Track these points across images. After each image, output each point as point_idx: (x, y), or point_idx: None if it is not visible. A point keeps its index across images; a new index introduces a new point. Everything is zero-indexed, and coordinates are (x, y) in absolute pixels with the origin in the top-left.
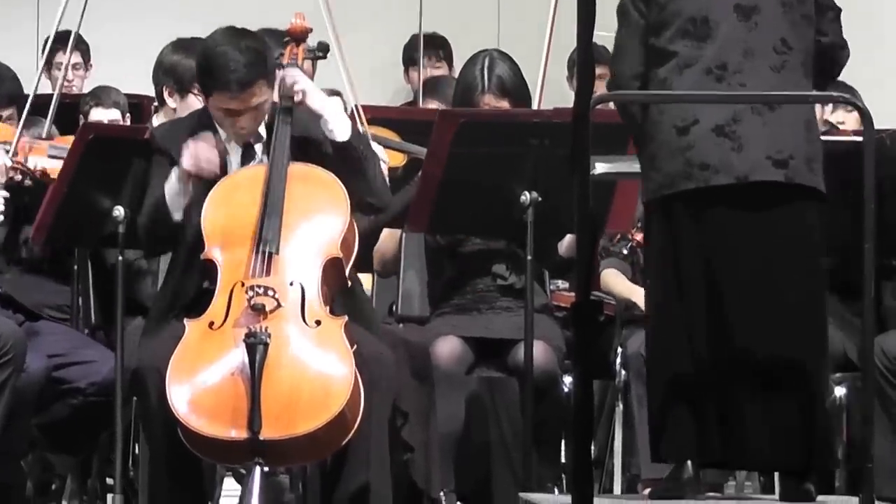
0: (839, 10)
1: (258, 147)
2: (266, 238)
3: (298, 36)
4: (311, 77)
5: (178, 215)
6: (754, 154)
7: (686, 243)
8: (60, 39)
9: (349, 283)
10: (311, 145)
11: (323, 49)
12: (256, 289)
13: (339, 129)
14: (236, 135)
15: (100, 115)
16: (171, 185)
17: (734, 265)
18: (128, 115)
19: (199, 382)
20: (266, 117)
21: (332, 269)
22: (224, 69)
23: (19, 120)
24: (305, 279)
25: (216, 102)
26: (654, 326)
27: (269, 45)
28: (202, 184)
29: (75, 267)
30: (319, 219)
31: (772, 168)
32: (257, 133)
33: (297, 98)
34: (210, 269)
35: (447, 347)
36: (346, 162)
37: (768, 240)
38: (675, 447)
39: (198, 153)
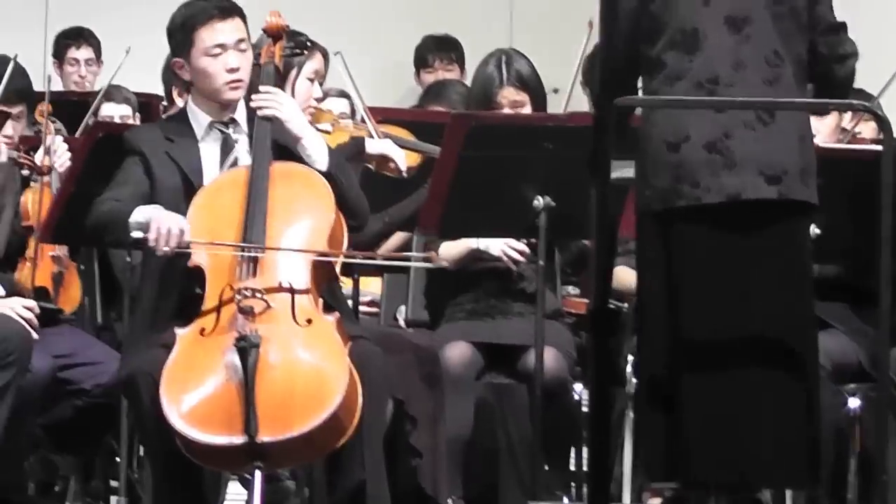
0: (838, 23)
1: (240, 139)
2: (251, 240)
3: (274, 34)
4: (323, 77)
5: (136, 234)
6: (746, 171)
7: (676, 259)
8: (70, 36)
9: (339, 279)
10: (292, 152)
11: (301, 46)
12: (244, 292)
13: (319, 158)
14: (227, 88)
15: (111, 110)
16: (139, 218)
17: (723, 282)
18: (137, 113)
19: (192, 392)
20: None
21: (321, 265)
22: (202, 4)
23: (29, 116)
24: (294, 278)
25: (203, 42)
26: (642, 339)
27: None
28: (185, 206)
29: (81, 267)
30: (305, 216)
31: (764, 185)
32: (235, 121)
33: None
34: (197, 275)
35: (457, 352)
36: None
37: (759, 257)
38: (656, 466)
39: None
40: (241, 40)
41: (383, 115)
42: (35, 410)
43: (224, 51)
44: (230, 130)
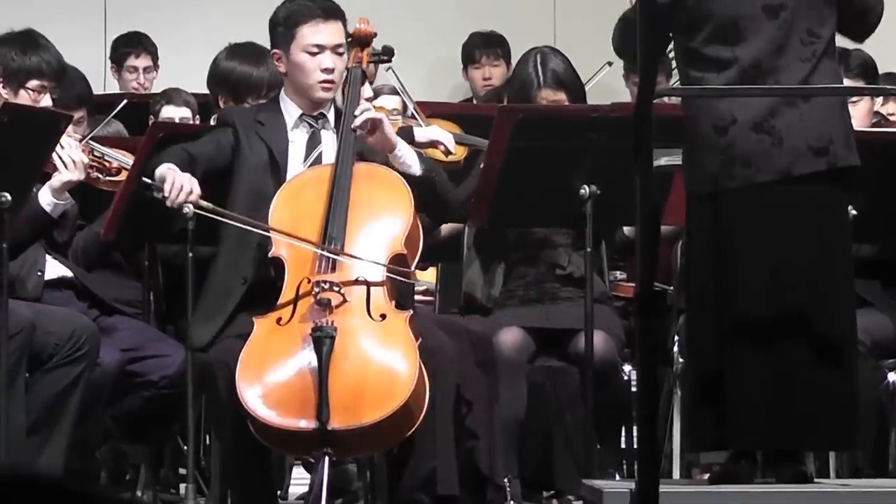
0: None
1: (326, 136)
2: (331, 235)
3: (362, 40)
4: (373, 76)
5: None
6: (794, 146)
7: (729, 238)
8: (130, 43)
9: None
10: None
11: (388, 52)
12: (322, 284)
13: (412, 164)
14: (319, 87)
15: (171, 112)
16: (162, 170)
17: (772, 258)
18: (197, 116)
19: (268, 376)
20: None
21: (397, 264)
22: (308, 2)
23: (89, 121)
24: (370, 275)
25: (304, 39)
26: (692, 318)
27: None
28: (269, 182)
29: (146, 262)
30: (384, 216)
31: (812, 157)
32: (324, 116)
33: (368, 130)
34: (277, 266)
35: (510, 337)
36: (425, 194)
37: (811, 229)
38: (705, 437)
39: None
40: (339, 45)
41: (432, 110)
42: (105, 402)
43: (321, 51)
44: (318, 125)
